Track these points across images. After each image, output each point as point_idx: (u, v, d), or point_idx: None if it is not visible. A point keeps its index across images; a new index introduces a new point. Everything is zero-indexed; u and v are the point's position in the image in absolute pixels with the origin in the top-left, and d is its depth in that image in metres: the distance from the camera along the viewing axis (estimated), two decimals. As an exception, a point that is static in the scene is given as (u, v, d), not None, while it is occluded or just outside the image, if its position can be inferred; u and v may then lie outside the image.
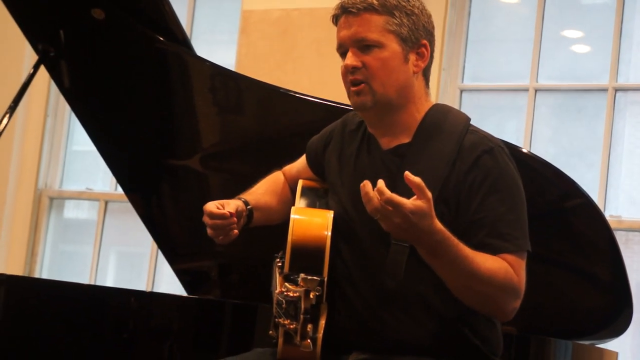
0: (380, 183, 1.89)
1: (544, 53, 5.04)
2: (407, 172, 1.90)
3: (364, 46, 2.13)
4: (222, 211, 2.18)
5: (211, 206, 2.20)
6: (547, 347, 2.85)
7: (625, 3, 4.89)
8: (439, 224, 1.95)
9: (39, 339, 2.72)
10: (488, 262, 2.02)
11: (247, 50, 5.34)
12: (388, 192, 1.88)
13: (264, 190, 2.39)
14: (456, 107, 4.88)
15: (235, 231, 2.21)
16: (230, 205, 2.22)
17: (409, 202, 1.89)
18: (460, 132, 2.14)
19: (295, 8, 5.22)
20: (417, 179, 1.89)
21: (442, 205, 2.07)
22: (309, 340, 1.83)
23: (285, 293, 1.85)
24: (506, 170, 2.11)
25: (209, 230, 2.22)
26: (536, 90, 5.02)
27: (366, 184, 1.89)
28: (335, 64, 2.28)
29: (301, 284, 1.84)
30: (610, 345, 3.30)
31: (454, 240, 1.98)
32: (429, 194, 1.91)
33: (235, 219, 2.19)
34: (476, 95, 5.24)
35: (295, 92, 3.11)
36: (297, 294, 1.83)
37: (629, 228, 4.75)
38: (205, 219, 2.21)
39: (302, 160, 2.42)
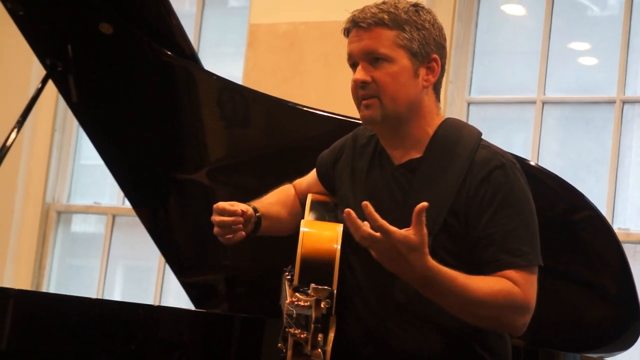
0: (370, 209, 1.89)
1: (551, 65, 5.04)
2: (422, 204, 1.89)
3: (373, 60, 2.13)
4: (234, 208, 2.18)
5: (223, 204, 2.20)
6: (555, 360, 2.85)
7: (632, 15, 4.89)
8: (431, 261, 1.93)
9: (47, 353, 2.72)
10: (487, 286, 2.00)
11: (255, 63, 5.35)
12: (379, 220, 1.89)
13: (274, 201, 2.39)
14: (463, 119, 4.89)
15: (243, 233, 2.20)
16: (241, 206, 2.22)
17: (399, 232, 1.89)
18: (472, 147, 2.13)
19: (303, 22, 5.23)
20: (420, 207, 1.89)
21: (452, 218, 2.07)
22: (319, 350, 1.83)
23: (296, 303, 1.86)
24: (517, 186, 2.11)
25: (215, 229, 2.22)
26: (544, 103, 5.01)
27: (350, 212, 1.89)
28: (342, 77, 2.29)
29: (312, 293, 1.84)
30: (619, 358, 3.29)
31: (449, 275, 1.96)
32: (425, 230, 1.90)
33: (242, 218, 2.19)
34: (483, 108, 5.24)
35: (303, 105, 3.11)
36: (308, 303, 1.84)
37: (638, 241, 4.74)
38: (214, 217, 2.20)
39: (312, 175, 2.42)
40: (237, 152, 3.32)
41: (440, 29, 2.18)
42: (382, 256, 1.92)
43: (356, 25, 2.15)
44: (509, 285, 2.03)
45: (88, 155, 5.94)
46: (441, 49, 2.18)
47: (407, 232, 1.89)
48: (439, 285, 1.96)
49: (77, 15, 3.21)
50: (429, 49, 2.15)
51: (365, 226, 1.89)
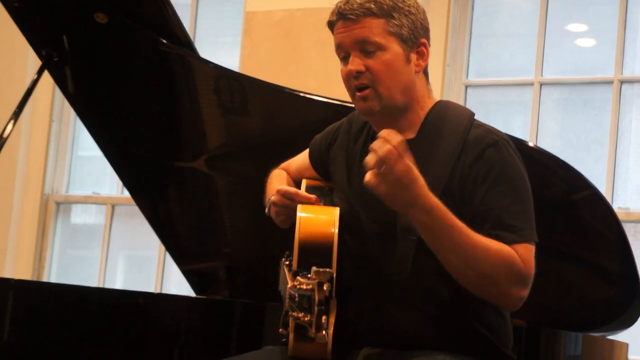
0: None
1: (549, 47, 5.03)
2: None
3: (366, 49, 2.12)
4: (309, 195, 2.20)
5: (289, 188, 2.23)
6: (557, 340, 2.85)
7: (629, -5, 4.89)
8: (433, 196, 1.95)
9: (47, 343, 2.72)
10: (487, 241, 2.01)
11: (251, 51, 5.34)
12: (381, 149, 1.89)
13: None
14: (461, 103, 4.89)
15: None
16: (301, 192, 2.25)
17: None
18: (465, 126, 2.14)
19: (299, 8, 5.21)
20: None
21: (447, 198, 2.07)
22: (324, 332, 1.83)
23: (298, 286, 1.86)
24: (511, 163, 2.11)
25: (274, 209, 2.23)
26: (541, 85, 5.01)
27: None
28: (340, 64, 2.28)
29: (313, 276, 1.84)
30: (621, 336, 3.29)
31: (447, 211, 1.97)
32: (398, 137, 1.91)
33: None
34: (481, 91, 5.23)
35: (301, 91, 3.11)
36: (311, 286, 1.84)
37: (638, 220, 4.74)
38: (281, 200, 2.21)
39: (303, 159, 2.42)
40: (235, 140, 3.32)
41: (423, 12, 2.19)
42: (388, 189, 1.91)
43: (343, 17, 2.14)
44: (510, 250, 2.03)
45: (86, 146, 5.94)
46: (427, 32, 2.19)
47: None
48: (440, 223, 1.96)
49: (71, 5, 3.20)
50: (417, 34, 2.16)
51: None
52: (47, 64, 3.28)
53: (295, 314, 1.86)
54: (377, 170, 1.90)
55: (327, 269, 1.86)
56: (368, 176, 1.92)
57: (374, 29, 2.12)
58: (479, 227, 2.04)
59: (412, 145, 2.13)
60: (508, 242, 2.04)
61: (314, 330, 1.82)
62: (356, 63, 2.13)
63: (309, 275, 1.86)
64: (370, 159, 1.91)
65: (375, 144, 1.91)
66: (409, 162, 1.91)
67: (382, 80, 2.12)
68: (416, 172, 1.93)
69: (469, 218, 2.06)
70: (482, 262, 2.01)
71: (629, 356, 3.35)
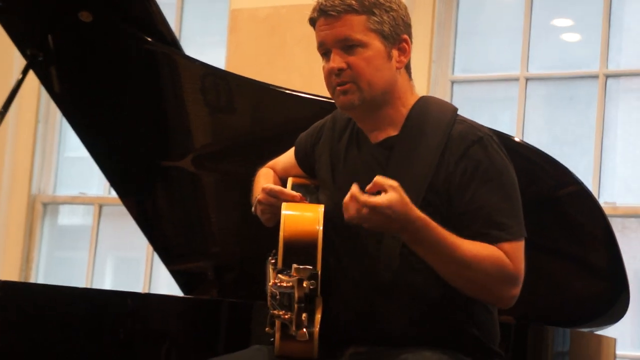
0: (354, 188, 1.93)
1: (534, 42, 5.04)
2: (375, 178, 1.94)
3: (347, 46, 2.13)
4: (294, 193, 2.20)
5: (274, 186, 2.23)
6: (545, 336, 2.85)
7: (613, -11, 4.90)
8: (417, 211, 1.97)
9: (35, 344, 2.71)
10: (476, 249, 2.02)
11: (237, 49, 5.33)
12: (362, 196, 1.92)
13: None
14: (447, 99, 4.90)
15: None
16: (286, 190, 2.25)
17: (383, 199, 1.92)
18: (448, 122, 2.14)
19: (284, 5, 5.21)
20: (370, 184, 1.94)
21: (432, 195, 2.07)
22: (304, 330, 1.83)
23: (278, 284, 1.86)
24: (496, 159, 2.12)
25: (260, 207, 2.23)
26: (527, 80, 5.02)
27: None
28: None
29: (294, 274, 1.84)
30: (609, 331, 3.30)
31: (436, 226, 1.99)
32: (393, 182, 1.94)
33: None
34: (467, 87, 5.24)
35: (287, 89, 3.10)
36: (290, 283, 1.84)
37: (624, 214, 4.75)
38: (266, 198, 2.21)
39: (289, 157, 2.42)
40: (222, 138, 3.31)
41: (405, 9, 2.19)
42: (376, 226, 1.96)
43: (324, 13, 2.14)
44: (499, 253, 2.04)
45: (73, 146, 5.92)
46: (408, 28, 2.19)
47: (386, 195, 1.93)
48: (428, 236, 1.98)
49: (56, 4, 3.19)
50: (398, 30, 2.16)
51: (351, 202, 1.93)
52: (32, 64, 3.27)
53: (276, 311, 1.86)
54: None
55: (308, 266, 1.85)
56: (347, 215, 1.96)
57: (355, 26, 2.12)
58: (467, 226, 2.05)
59: (396, 142, 2.14)
60: (497, 241, 2.05)
61: (294, 328, 1.82)
62: (337, 60, 2.13)
63: (290, 273, 1.86)
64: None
65: (345, 203, 1.95)
66: (387, 208, 1.93)
67: (364, 76, 2.12)
68: (397, 211, 1.94)
69: (456, 216, 2.07)
70: (472, 270, 2.02)
71: (617, 351, 3.36)
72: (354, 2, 2.12)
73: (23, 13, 3.27)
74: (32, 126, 5.92)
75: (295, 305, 1.81)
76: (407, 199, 1.95)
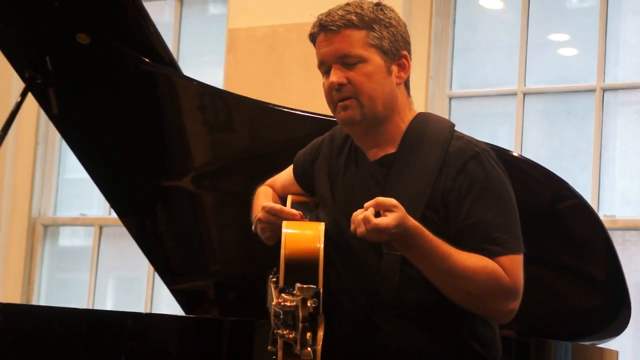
0: (369, 212, 1.96)
1: (531, 57, 5.05)
2: (365, 205, 1.97)
3: (347, 62, 2.13)
4: (294, 212, 2.21)
5: (274, 205, 2.23)
6: (547, 349, 2.85)
7: (609, 4, 4.91)
8: (412, 220, 1.99)
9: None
10: (470, 260, 2.03)
11: (235, 68, 5.34)
12: (373, 220, 1.95)
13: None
14: (445, 114, 4.91)
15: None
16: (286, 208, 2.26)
17: (390, 221, 1.95)
18: (445, 138, 2.15)
19: (281, 24, 5.23)
20: (372, 203, 1.97)
21: (430, 211, 2.08)
22: (309, 349, 1.83)
23: (282, 304, 1.86)
24: (493, 175, 2.12)
25: (260, 226, 2.23)
26: (524, 94, 5.03)
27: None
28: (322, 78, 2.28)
29: (297, 293, 1.84)
30: (611, 344, 3.30)
31: (429, 234, 2.01)
32: (391, 200, 1.97)
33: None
34: (465, 103, 5.25)
35: (285, 107, 3.11)
36: (295, 303, 1.84)
37: (624, 227, 4.75)
38: (266, 217, 2.21)
39: (288, 175, 2.42)
40: (221, 157, 3.31)
41: (404, 25, 2.20)
42: (374, 240, 2.00)
43: (324, 29, 2.15)
44: (495, 266, 2.04)
45: (73, 168, 5.92)
46: (408, 44, 2.20)
47: (392, 214, 1.96)
48: (420, 243, 2.00)
49: (54, 26, 3.20)
50: (398, 46, 2.16)
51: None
52: (31, 86, 3.28)
53: (280, 331, 1.85)
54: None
55: (311, 285, 1.85)
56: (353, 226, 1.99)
57: (355, 42, 2.13)
58: (465, 242, 2.05)
59: (394, 160, 2.15)
60: (494, 255, 2.05)
61: (299, 347, 1.82)
62: (338, 75, 2.13)
63: (294, 292, 1.86)
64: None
65: (354, 216, 1.98)
66: (395, 228, 1.96)
67: (364, 91, 2.13)
68: (401, 228, 1.97)
69: (455, 231, 2.07)
70: (466, 281, 2.02)
71: (619, 364, 3.36)
72: (354, 17, 2.13)
73: (21, 36, 3.28)
74: (31, 148, 5.93)
75: (300, 325, 1.81)
76: (406, 214, 1.98)
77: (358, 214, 1.97)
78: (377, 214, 1.97)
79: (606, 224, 3.07)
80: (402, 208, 1.97)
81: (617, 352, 3.28)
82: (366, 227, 1.95)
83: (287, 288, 1.95)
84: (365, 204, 1.98)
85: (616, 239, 4.41)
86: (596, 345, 3.22)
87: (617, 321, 3.06)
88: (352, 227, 1.98)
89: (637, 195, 4.87)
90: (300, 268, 2.03)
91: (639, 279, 4.78)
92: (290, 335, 1.83)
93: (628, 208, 4.81)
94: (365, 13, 2.13)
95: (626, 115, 5.01)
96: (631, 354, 4.71)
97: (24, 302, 5.77)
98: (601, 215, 4.45)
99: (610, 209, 4.79)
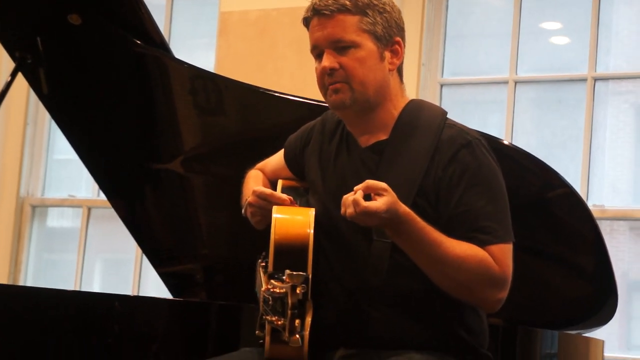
0: (359, 195, 1.95)
1: (523, 45, 5.05)
2: (355, 188, 1.97)
3: (340, 47, 2.13)
4: (284, 196, 2.20)
5: (265, 189, 2.22)
6: (533, 338, 2.86)
7: (601, -8, 4.92)
8: (403, 206, 2.00)
9: (23, 347, 2.70)
10: (460, 248, 2.03)
11: (227, 52, 5.32)
12: (363, 203, 1.94)
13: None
14: (437, 102, 4.91)
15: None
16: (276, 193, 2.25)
17: (381, 205, 1.95)
18: (438, 126, 2.15)
19: (274, 8, 5.21)
20: (363, 185, 1.97)
21: (421, 199, 2.08)
22: (297, 336, 1.83)
23: (271, 290, 1.86)
24: (484, 163, 2.12)
25: (250, 210, 2.23)
26: (516, 83, 5.03)
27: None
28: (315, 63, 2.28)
29: (287, 279, 1.84)
30: (597, 334, 3.31)
31: (420, 221, 2.02)
32: (382, 184, 1.97)
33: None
34: (457, 90, 5.24)
35: (276, 91, 3.10)
36: (284, 289, 1.84)
37: (613, 217, 4.77)
38: (257, 201, 2.21)
39: (279, 159, 2.42)
40: (211, 140, 3.31)
41: (399, 12, 2.19)
42: (364, 224, 2.00)
43: (318, 13, 2.14)
44: (484, 255, 2.05)
45: (62, 149, 5.91)
46: (402, 31, 2.20)
47: (382, 198, 1.96)
48: (410, 229, 2.01)
49: (45, 7, 3.18)
50: (391, 32, 2.16)
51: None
52: (21, 66, 3.26)
53: (269, 317, 1.86)
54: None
55: (301, 272, 1.86)
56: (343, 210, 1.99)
57: (348, 27, 2.13)
58: (455, 230, 2.06)
59: (386, 147, 2.14)
60: (483, 244, 2.05)
61: (287, 334, 1.82)
62: (330, 60, 2.13)
63: (283, 278, 1.86)
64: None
65: (344, 199, 1.97)
66: (385, 212, 1.96)
67: (356, 76, 2.13)
68: (391, 212, 1.97)
69: (445, 219, 2.07)
70: (455, 269, 2.03)
71: (605, 353, 3.37)
72: (347, 2, 2.13)
73: (12, 15, 3.26)
74: (20, 129, 5.91)
75: (289, 312, 1.81)
76: (397, 198, 1.98)
77: (349, 197, 1.97)
78: (368, 198, 1.97)
79: (595, 214, 3.08)
80: (393, 193, 1.97)
81: (603, 341, 3.29)
82: (355, 210, 1.95)
83: (277, 273, 1.95)
84: (355, 187, 1.98)
85: (604, 228, 4.42)
86: (582, 335, 3.23)
87: (603, 311, 3.07)
88: (342, 209, 1.98)
89: (626, 185, 4.88)
90: (290, 253, 2.04)
91: (625, 268, 4.80)
92: (279, 322, 1.84)
93: (617, 198, 4.82)
94: None
95: (617, 105, 5.01)
96: (617, 343, 4.73)
97: (11, 283, 5.76)
98: (590, 204, 4.46)
99: (599, 198, 4.80)
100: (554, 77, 5.03)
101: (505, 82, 5.04)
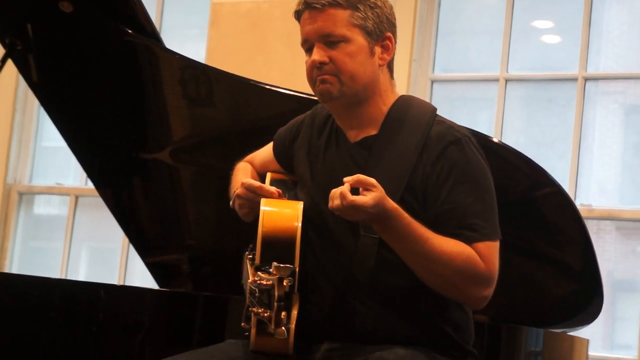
0: (346, 188, 1.95)
1: (515, 44, 5.06)
2: (344, 179, 1.97)
3: (330, 41, 2.13)
4: (272, 189, 2.19)
5: (253, 182, 2.21)
6: (518, 335, 2.87)
7: (593, -8, 4.93)
8: (391, 202, 2.00)
9: (8, 334, 2.70)
10: (447, 245, 2.04)
11: (218, 43, 5.32)
12: (350, 197, 1.94)
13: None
14: (427, 98, 4.91)
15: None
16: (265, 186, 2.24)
17: (368, 200, 1.95)
18: (427, 122, 2.15)
19: (266, 0, 5.20)
20: (353, 178, 1.97)
21: (409, 195, 2.08)
22: (283, 328, 1.83)
23: (258, 282, 1.86)
24: (473, 161, 2.12)
25: (238, 202, 2.22)
26: (506, 81, 5.04)
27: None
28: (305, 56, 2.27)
29: (274, 272, 1.84)
30: (582, 332, 3.32)
31: (407, 217, 2.02)
32: (371, 179, 1.97)
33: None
34: (447, 87, 5.25)
35: (266, 84, 3.10)
36: (271, 282, 1.84)
37: (600, 217, 4.78)
38: (245, 193, 2.20)
39: (268, 152, 2.41)
40: (201, 132, 3.30)
41: (390, 7, 2.19)
42: (358, 219, 2.01)
43: (309, 6, 2.14)
44: (471, 252, 2.05)
45: (50, 136, 5.89)
46: (393, 27, 2.20)
47: (369, 193, 1.96)
48: (397, 225, 2.01)
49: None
50: (382, 27, 2.16)
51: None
52: (11, 52, 3.25)
53: (255, 309, 1.86)
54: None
55: (288, 265, 1.86)
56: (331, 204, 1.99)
57: (339, 21, 2.12)
58: (442, 226, 2.06)
59: (374, 142, 2.14)
60: (470, 241, 2.06)
61: (273, 326, 1.82)
62: (320, 54, 2.13)
63: (270, 270, 1.86)
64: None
65: (332, 192, 1.97)
66: (372, 207, 1.96)
67: (346, 70, 2.12)
68: (379, 208, 1.97)
69: (433, 216, 2.07)
70: (443, 268, 2.03)
71: (590, 352, 3.38)
72: None
73: (3, 1, 3.25)
74: (9, 115, 5.89)
75: (275, 304, 1.81)
76: (385, 195, 1.98)
77: (336, 190, 1.97)
78: (356, 192, 1.97)
79: (582, 213, 3.09)
80: (381, 189, 1.97)
81: (587, 340, 3.31)
82: (342, 202, 1.95)
83: (264, 266, 1.95)
84: (345, 179, 1.98)
85: (591, 227, 4.43)
86: (567, 333, 3.24)
87: (589, 309, 3.08)
88: (330, 202, 1.98)
89: (614, 185, 4.90)
90: (278, 246, 2.03)
91: (611, 268, 4.82)
92: (265, 314, 1.83)
93: (604, 198, 4.84)
94: None
95: (606, 105, 5.03)
96: (601, 342, 4.75)
97: (-3, 270, 5.74)
98: (578, 204, 4.47)
99: (587, 198, 4.82)
100: (544, 76, 5.05)
101: (496, 80, 5.05)
